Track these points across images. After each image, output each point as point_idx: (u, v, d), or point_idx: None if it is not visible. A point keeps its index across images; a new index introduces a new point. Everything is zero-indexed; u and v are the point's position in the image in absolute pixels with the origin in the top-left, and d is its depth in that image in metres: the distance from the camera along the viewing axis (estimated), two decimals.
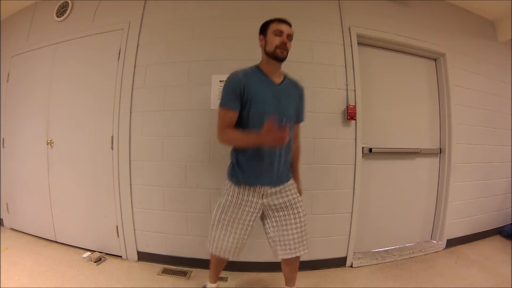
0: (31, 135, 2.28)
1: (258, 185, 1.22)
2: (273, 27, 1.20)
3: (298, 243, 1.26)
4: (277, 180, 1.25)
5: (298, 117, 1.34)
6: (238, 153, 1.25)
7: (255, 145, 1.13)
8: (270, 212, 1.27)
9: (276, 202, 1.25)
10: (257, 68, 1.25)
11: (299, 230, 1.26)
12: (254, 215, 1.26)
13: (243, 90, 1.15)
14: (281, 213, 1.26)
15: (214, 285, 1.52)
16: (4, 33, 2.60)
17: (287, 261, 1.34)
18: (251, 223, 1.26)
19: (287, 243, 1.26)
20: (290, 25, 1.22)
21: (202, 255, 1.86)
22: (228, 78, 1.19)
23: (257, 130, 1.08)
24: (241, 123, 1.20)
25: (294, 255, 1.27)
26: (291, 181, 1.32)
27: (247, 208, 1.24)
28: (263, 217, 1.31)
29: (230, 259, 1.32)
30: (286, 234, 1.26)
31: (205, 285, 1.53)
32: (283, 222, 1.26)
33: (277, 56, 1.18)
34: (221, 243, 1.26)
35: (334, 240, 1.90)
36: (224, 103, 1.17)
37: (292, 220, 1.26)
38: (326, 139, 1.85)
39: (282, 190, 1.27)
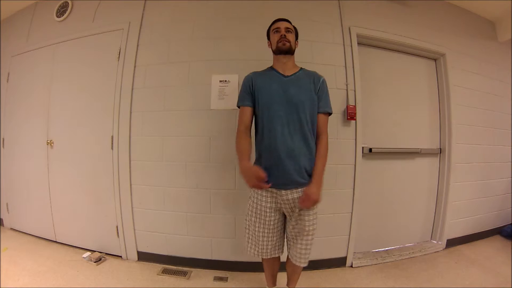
0: (31, 135, 2.28)
1: (272, 188, 1.21)
2: (272, 28, 1.31)
3: (302, 254, 1.27)
4: (285, 183, 1.19)
5: (320, 107, 1.25)
6: (256, 152, 1.29)
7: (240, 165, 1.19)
8: (286, 216, 1.30)
9: (288, 206, 1.23)
10: (269, 67, 1.34)
11: (304, 246, 1.26)
12: (273, 218, 1.26)
13: (252, 86, 1.27)
14: (293, 223, 1.26)
15: None
16: (4, 33, 2.60)
17: (291, 262, 1.35)
18: (274, 224, 1.27)
19: (295, 251, 1.28)
20: (286, 20, 1.30)
21: (202, 255, 1.86)
22: (244, 79, 1.32)
23: (266, 120, 1.21)
24: (256, 117, 1.29)
25: (296, 263, 1.30)
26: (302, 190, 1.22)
27: (267, 214, 1.25)
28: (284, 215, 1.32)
29: (269, 257, 1.33)
30: (294, 243, 1.28)
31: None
32: (294, 232, 1.27)
33: (280, 49, 1.25)
34: (255, 247, 1.31)
35: (334, 240, 1.90)
36: (238, 102, 1.30)
37: (298, 239, 1.27)
38: None
39: (296, 201, 1.20)
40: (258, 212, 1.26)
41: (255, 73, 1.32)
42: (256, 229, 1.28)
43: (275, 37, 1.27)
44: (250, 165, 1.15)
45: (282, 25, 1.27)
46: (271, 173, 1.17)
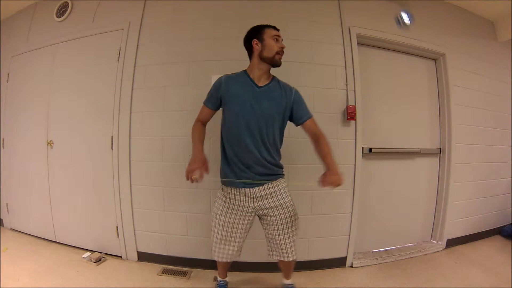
0: (31, 135, 2.27)
1: (246, 188, 1.23)
2: (271, 32, 1.23)
3: (287, 248, 1.28)
4: (260, 178, 1.22)
5: (302, 117, 1.27)
6: (224, 149, 1.28)
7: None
8: (263, 216, 1.29)
9: (268, 206, 1.25)
10: (244, 72, 1.28)
11: (288, 235, 1.28)
12: (247, 218, 1.27)
13: (221, 93, 1.24)
14: (273, 217, 1.26)
15: (227, 279, 1.59)
16: (4, 33, 2.59)
17: (281, 261, 1.36)
18: (246, 226, 1.28)
19: (280, 247, 1.28)
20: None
21: (202, 255, 1.86)
22: (215, 81, 1.28)
23: (236, 129, 1.20)
24: (224, 121, 1.29)
25: (285, 259, 1.30)
26: (282, 182, 1.30)
27: (239, 213, 1.25)
28: (260, 218, 1.33)
29: (231, 260, 1.35)
30: (279, 238, 1.27)
31: (221, 280, 1.58)
32: (275, 226, 1.27)
33: (275, 62, 1.22)
34: (222, 251, 1.30)
35: (334, 240, 1.90)
36: (205, 100, 1.33)
37: (284, 225, 1.26)
38: None
39: (273, 194, 1.25)
40: (229, 215, 1.26)
41: (227, 77, 1.26)
42: (225, 233, 1.27)
43: (275, 45, 1.20)
44: (201, 151, 1.20)
45: (280, 35, 1.23)
46: (240, 175, 1.22)
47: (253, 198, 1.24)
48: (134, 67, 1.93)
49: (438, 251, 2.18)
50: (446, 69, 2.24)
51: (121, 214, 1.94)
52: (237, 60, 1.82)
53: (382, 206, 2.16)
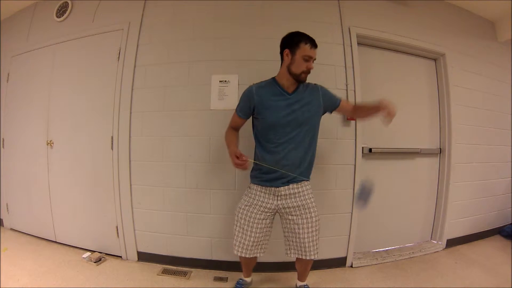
0: (31, 135, 2.27)
1: (272, 187, 1.28)
2: (305, 50, 1.21)
3: (310, 247, 1.31)
4: (289, 180, 1.28)
5: (333, 104, 1.36)
6: (257, 154, 1.33)
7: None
8: (285, 214, 1.32)
9: (291, 205, 1.29)
10: (273, 80, 1.32)
11: (311, 234, 1.30)
12: (268, 215, 1.31)
13: (253, 103, 1.28)
14: (294, 216, 1.30)
15: (248, 279, 1.62)
16: (4, 33, 2.60)
17: (300, 260, 1.39)
18: (267, 222, 1.32)
19: (301, 246, 1.31)
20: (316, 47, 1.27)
21: (202, 255, 1.86)
22: (245, 90, 1.33)
23: (272, 137, 1.25)
24: (259, 129, 1.32)
25: (305, 258, 1.32)
26: (306, 184, 1.34)
27: (261, 209, 1.29)
28: (281, 216, 1.36)
29: (249, 256, 1.36)
30: (299, 237, 1.30)
31: (241, 278, 1.61)
32: (297, 225, 1.30)
33: (300, 79, 1.26)
34: (241, 244, 1.33)
35: (334, 240, 1.90)
36: (236, 109, 1.36)
37: (305, 224, 1.29)
38: (326, 139, 1.84)
39: (297, 194, 1.30)
40: (252, 209, 1.30)
41: (258, 86, 1.30)
42: (245, 226, 1.31)
43: (303, 65, 1.22)
44: (236, 149, 1.25)
45: (315, 55, 1.25)
46: (271, 176, 1.27)
47: (277, 196, 1.29)
48: (134, 67, 1.93)
49: (438, 251, 2.18)
50: (446, 69, 2.24)
51: (121, 214, 1.94)
52: (237, 60, 1.83)
53: (382, 206, 2.16)
